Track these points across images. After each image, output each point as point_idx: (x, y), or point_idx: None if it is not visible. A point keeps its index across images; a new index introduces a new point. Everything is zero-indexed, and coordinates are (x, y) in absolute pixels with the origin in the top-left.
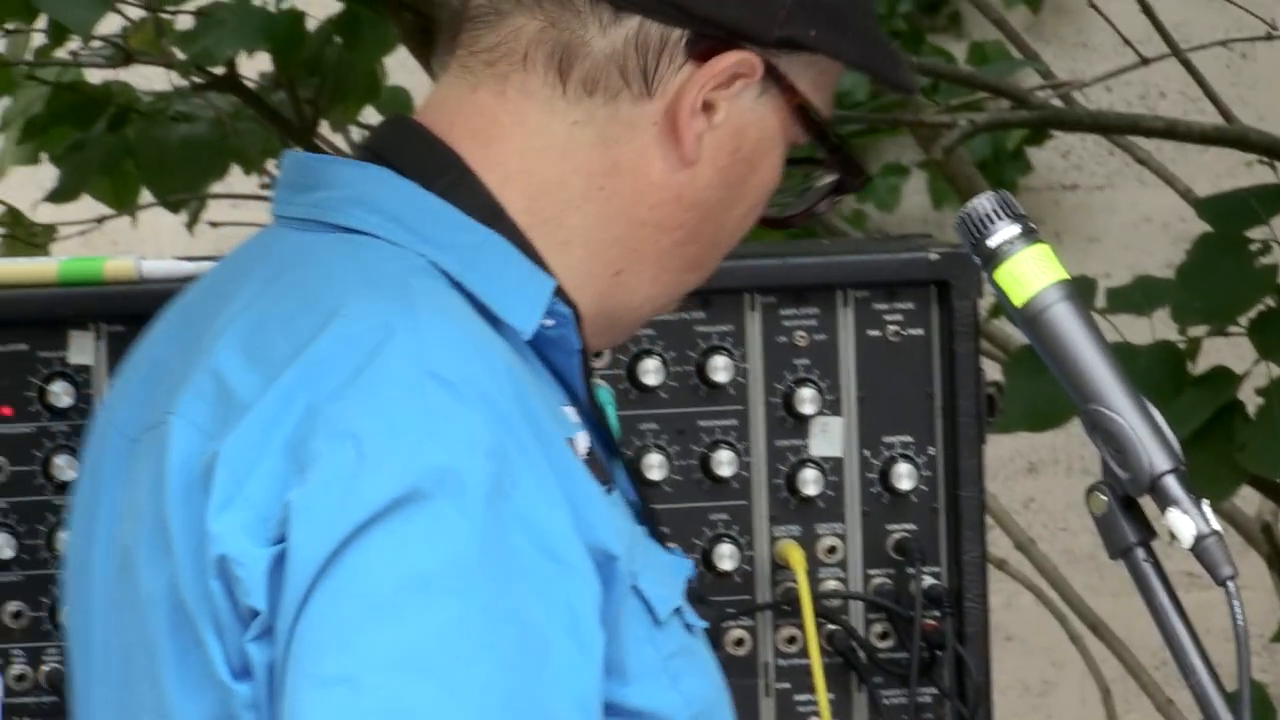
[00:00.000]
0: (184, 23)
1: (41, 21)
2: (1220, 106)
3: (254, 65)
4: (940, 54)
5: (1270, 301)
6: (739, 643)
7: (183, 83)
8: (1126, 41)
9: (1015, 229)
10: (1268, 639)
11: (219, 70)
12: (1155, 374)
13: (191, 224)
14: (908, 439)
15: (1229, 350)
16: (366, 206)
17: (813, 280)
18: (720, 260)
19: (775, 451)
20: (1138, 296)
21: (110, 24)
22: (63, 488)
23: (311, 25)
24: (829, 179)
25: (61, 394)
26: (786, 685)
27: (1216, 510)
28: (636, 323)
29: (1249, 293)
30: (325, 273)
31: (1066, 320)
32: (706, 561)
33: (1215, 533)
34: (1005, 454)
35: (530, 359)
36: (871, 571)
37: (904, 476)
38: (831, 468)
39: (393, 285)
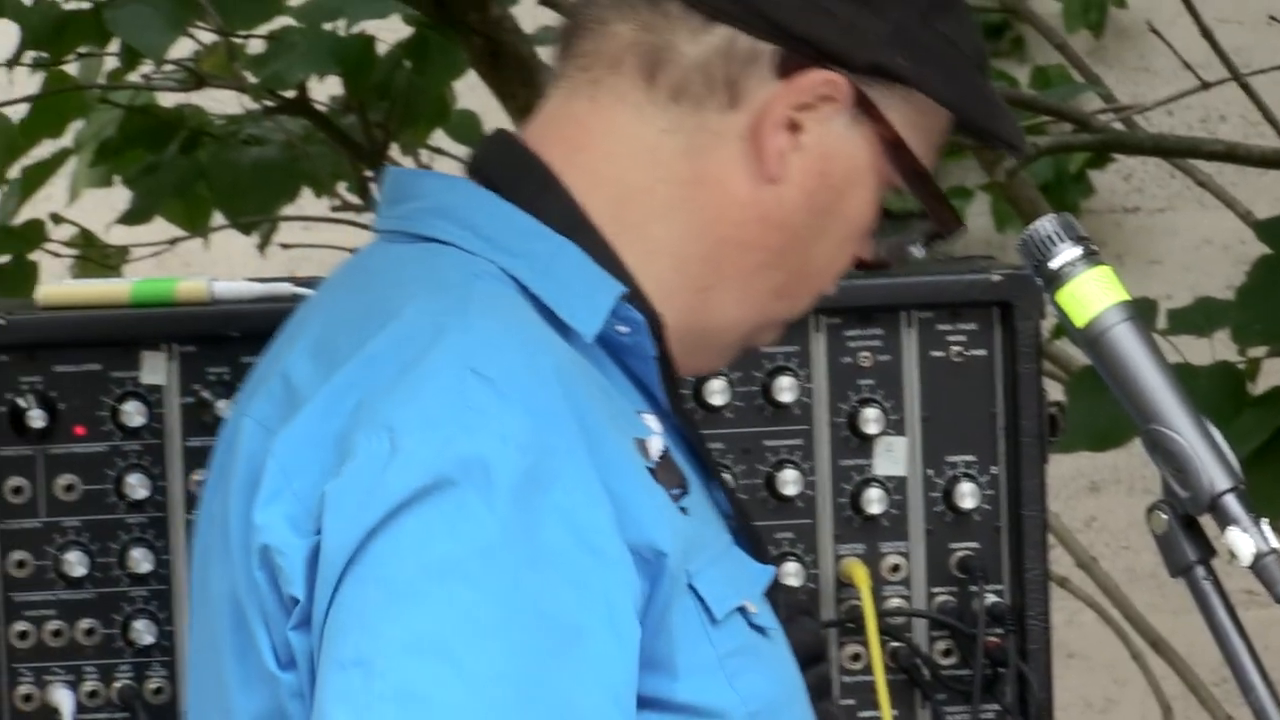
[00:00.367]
0: (255, 47)
1: (114, 45)
2: None
3: (325, 89)
4: (1004, 78)
5: None
6: None
7: (254, 106)
8: (1187, 66)
9: (1077, 251)
10: None
11: (290, 94)
12: (1215, 394)
13: (263, 246)
14: (971, 458)
15: None
16: (445, 216)
17: (877, 301)
18: (814, 295)
19: (840, 471)
20: (1198, 318)
21: (182, 48)
22: (135, 506)
23: (382, 49)
24: (922, 226)
25: (134, 413)
26: (851, 702)
27: (1276, 529)
28: (730, 347)
29: None
30: (395, 279)
31: (1128, 341)
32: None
33: (1275, 551)
34: (1067, 473)
35: (605, 364)
36: (935, 589)
37: (967, 495)
38: (895, 487)
39: (454, 291)
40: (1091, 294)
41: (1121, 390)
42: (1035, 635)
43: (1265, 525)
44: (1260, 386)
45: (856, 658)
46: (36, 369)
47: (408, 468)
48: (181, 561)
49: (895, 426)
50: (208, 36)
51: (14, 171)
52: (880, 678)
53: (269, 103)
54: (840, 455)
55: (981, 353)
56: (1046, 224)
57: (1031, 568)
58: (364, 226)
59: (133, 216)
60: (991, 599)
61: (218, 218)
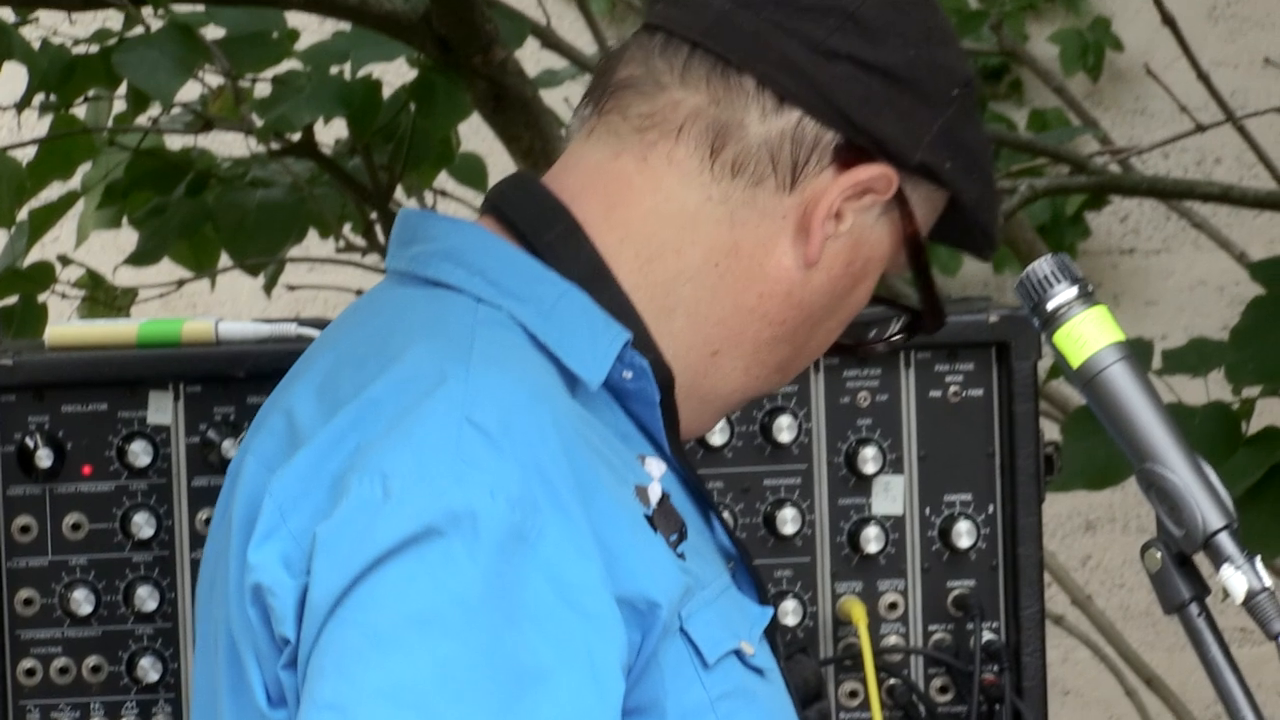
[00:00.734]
0: (262, 90)
1: (122, 89)
2: (1274, 172)
3: (330, 131)
4: (1002, 121)
5: None
6: None
7: (261, 149)
8: (1183, 109)
9: (1073, 292)
10: None
11: (296, 136)
12: (1210, 434)
13: (269, 287)
14: (967, 497)
15: None
16: (453, 260)
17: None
18: (796, 373)
19: (838, 509)
20: (1193, 358)
21: (190, 91)
22: (141, 545)
23: (387, 92)
24: (905, 316)
25: (140, 453)
26: None
27: (1269, 567)
28: (721, 412)
29: None
30: (401, 322)
31: (1123, 381)
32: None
33: (1267, 589)
34: (1063, 512)
35: (609, 409)
36: (932, 627)
37: (964, 534)
38: (893, 525)
39: (458, 336)
40: (1088, 334)
41: (1117, 429)
42: (1031, 672)
43: (1259, 563)
44: (1254, 426)
45: (854, 694)
46: (44, 409)
47: (397, 516)
48: (187, 600)
49: (893, 466)
50: (215, 80)
51: (22, 214)
52: (877, 714)
53: (275, 145)
54: (838, 494)
55: (979, 393)
56: (1043, 265)
57: (1027, 605)
58: (369, 268)
59: (140, 258)
60: (988, 636)
61: (224, 259)
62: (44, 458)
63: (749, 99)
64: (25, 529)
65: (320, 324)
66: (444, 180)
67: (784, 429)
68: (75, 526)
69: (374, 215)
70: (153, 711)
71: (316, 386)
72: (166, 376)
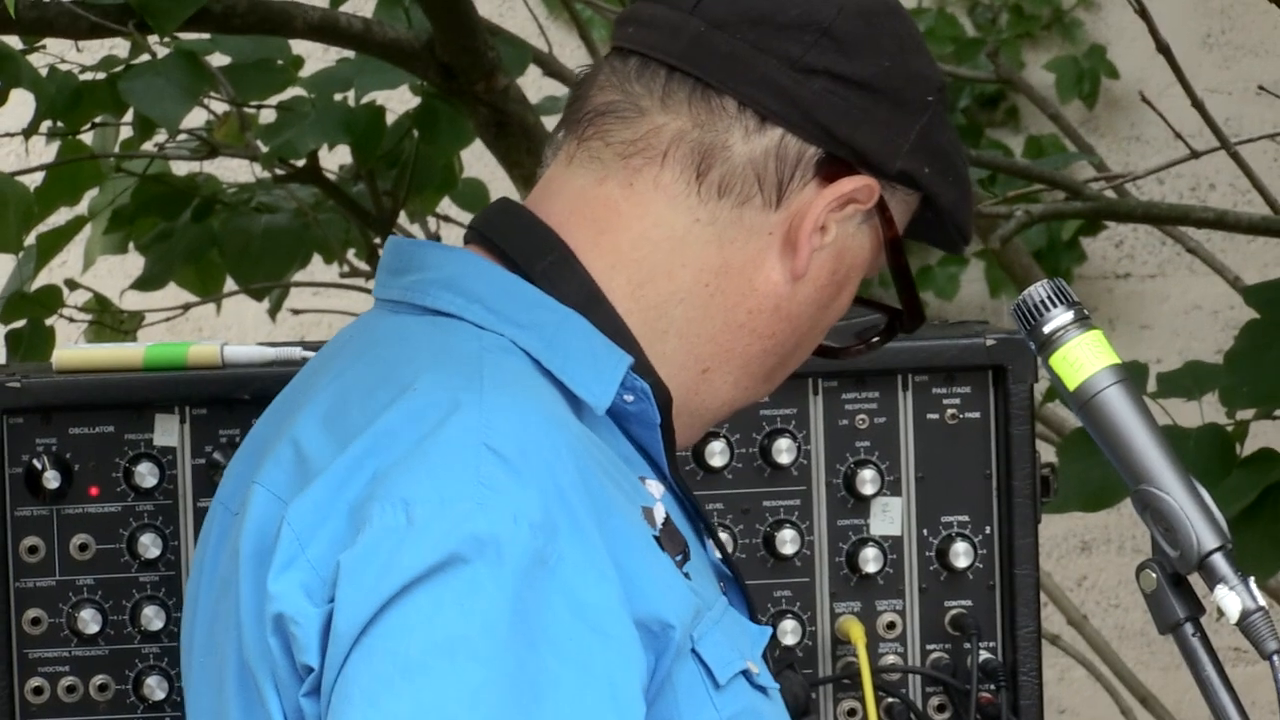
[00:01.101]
0: (267, 117)
1: (129, 115)
2: (1268, 198)
3: (335, 158)
4: (998, 147)
5: None
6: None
7: (266, 174)
8: (1178, 135)
9: (1069, 316)
10: None
11: (301, 162)
12: (1204, 456)
13: (274, 311)
14: (965, 518)
15: (1276, 433)
16: (453, 289)
17: (873, 365)
18: (785, 378)
19: (836, 530)
20: (1187, 381)
21: (195, 118)
22: (147, 565)
23: (390, 119)
24: (883, 317)
25: (146, 475)
26: None
27: (1263, 587)
28: (710, 423)
29: None
30: (406, 351)
31: (1118, 404)
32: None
33: (1261, 609)
34: (1059, 533)
35: (610, 432)
36: (929, 646)
37: (961, 555)
38: (891, 546)
39: (466, 364)
40: (1083, 357)
41: (1112, 451)
42: (1027, 691)
43: (1252, 584)
44: (1248, 448)
45: (852, 713)
46: (52, 431)
47: (422, 543)
48: None
49: (891, 487)
50: (220, 107)
51: (30, 238)
52: None
53: (280, 171)
54: (837, 515)
55: (976, 415)
56: (1040, 290)
57: (1024, 625)
58: (372, 292)
59: (146, 282)
60: (985, 656)
61: (230, 284)
62: (51, 479)
63: (731, 120)
64: (33, 549)
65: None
66: (447, 206)
67: (783, 451)
68: (82, 547)
69: (378, 240)
70: None
71: (323, 416)
72: (172, 399)
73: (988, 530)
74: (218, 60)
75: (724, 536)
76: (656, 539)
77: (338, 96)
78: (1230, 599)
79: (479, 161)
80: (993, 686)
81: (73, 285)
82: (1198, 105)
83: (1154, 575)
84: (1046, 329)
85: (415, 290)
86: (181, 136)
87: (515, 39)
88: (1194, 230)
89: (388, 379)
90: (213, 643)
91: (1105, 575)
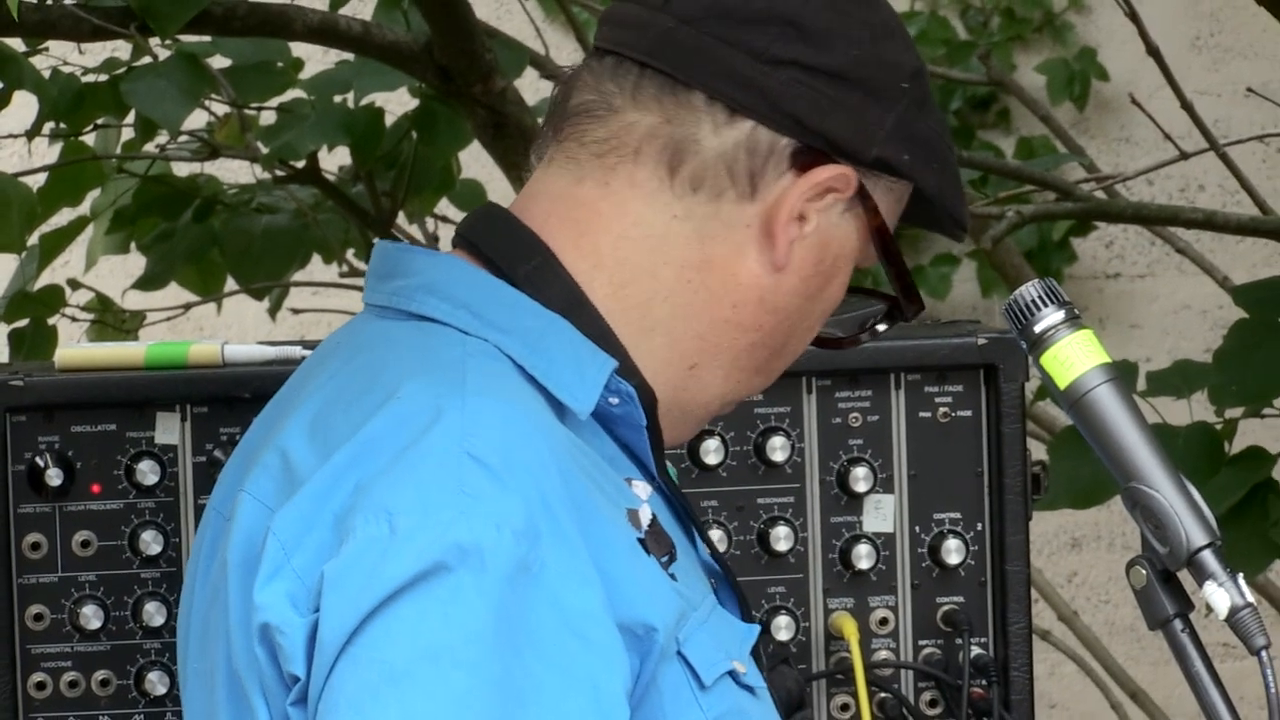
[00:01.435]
0: (267, 118)
1: (131, 117)
2: (1256, 199)
3: (334, 159)
4: (990, 149)
5: None
6: None
7: (266, 175)
8: (1167, 137)
9: (1060, 315)
10: None
11: (301, 163)
12: (1193, 454)
13: (274, 310)
14: (956, 515)
15: (1264, 431)
16: (437, 294)
17: (866, 364)
18: (778, 374)
19: (830, 527)
20: (1177, 380)
21: (196, 120)
22: (148, 562)
23: (389, 121)
24: (882, 305)
25: (148, 472)
26: None
27: (1251, 584)
28: (703, 419)
29: None
30: (390, 358)
31: (1109, 402)
32: (764, 632)
33: (1250, 605)
34: (1050, 530)
35: (595, 435)
36: (921, 642)
37: (953, 551)
38: (883, 543)
39: (449, 369)
40: (1074, 356)
41: (1102, 449)
42: (1018, 686)
43: (1241, 580)
44: (1236, 446)
45: (845, 708)
46: (54, 429)
47: (405, 553)
48: None
49: (884, 484)
50: (221, 108)
51: (33, 239)
52: None
53: (280, 172)
54: (830, 512)
55: (967, 414)
56: (1031, 289)
57: (1015, 621)
58: None
59: (148, 282)
60: (976, 651)
61: (230, 283)
62: (54, 476)
63: (701, 114)
64: (36, 546)
65: None
66: (445, 206)
67: (777, 449)
68: (84, 544)
69: (376, 241)
70: None
71: (308, 424)
72: (173, 398)
73: (979, 527)
74: (218, 62)
75: (718, 533)
76: (641, 541)
77: (337, 98)
78: (1219, 595)
79: (476, 162)
80: (984, 681)
81: (75, 285)
82: (1187, 107)
83: (1144, 572)
84: (1037, 328)
85: (400, 295)
86: (183, 138)
87: (512, 41)
88: (1183, 231)
89: (371, 386)
90: (205, 648)
91: (1095, 571)
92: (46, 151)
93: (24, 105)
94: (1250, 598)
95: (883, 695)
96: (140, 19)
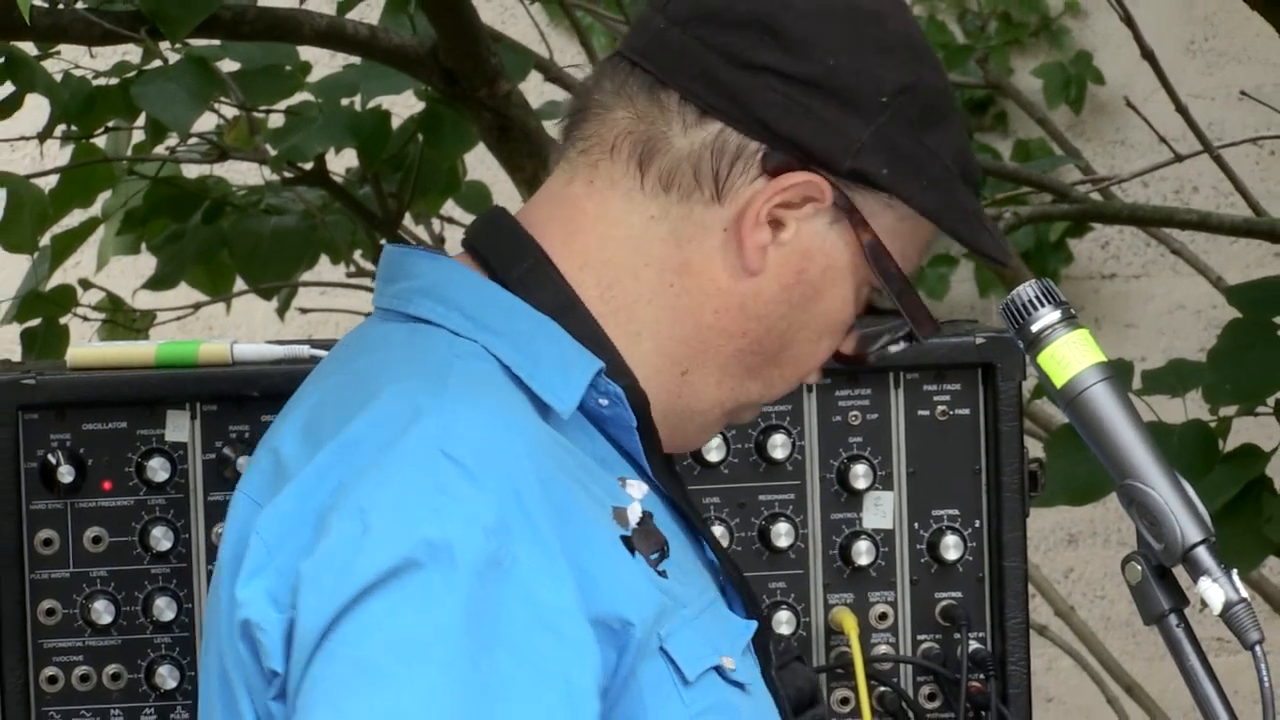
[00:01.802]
0: (276, 121)
1: (141, 120)
2: (1250, 200)
3: (341, 161)
4: (987, 151)
5: None
6: None
7: (274, 177)
8: (1162, 139)
9: (1056, 315)
10: None
11: (308, 166)
12: (1188, 451)
13: (282, 310)
14: (955, 512)
15: (1257, 429)
16: (433, 297)
17: None
18: (792, 381)
19: (830, 524)
20: (1171, 379)
21: (206, 122)
22: (159, 557)
23: (396, 123)
24: (899, 325)
25: (158, 469)
26: None
27: (1245, 579)
28: (711, 425)
29: (1277, 375)
30: (382, 359)
31: (1105, 400)
32: (770, 629)
33: (1244, 600)
34: (1047, 526)
35: (587, 435)
36: (920, 637)
37: (951, 547)
38: (883, 539)
39: (434, 371)
40: (1070, 356)
41: (1099, 447)
42: (1015, 680)
43: (1235, 576)
44: (1230, 444)
45: (845, 701)
46: (66, 427)
47: (377, 550)
48: (202, 610)
49: (883, 482)
50: (230, 111)
51: (45, 239)
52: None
53: (288, 174)
54: (830, 509)
55: (965, 412)
56: (1028, 289)
57: (1012, 616)
58: None
59: (158, 282)
60: (974, 646)
61: (239, 283)
62: (66, 474)
63: (672, 114)
64: (48, 542)
65: (331, 346)
66: (450, 208)
67: (778, 446)
68: (96, 540)
69: (383, 241)
70: (170, 717)
71: (303, 424)
72: (183, 396)
73: (977, 524)
74: (228, 66)
75: (720, 530)
76: (627, 539)
77: (344, 101)
78: (1214, 591)
79: (482, 164)
80: (982, 676)
81: (86, 285)
82: (1181, 110)
83: (1139, 568)
84: (1034, 328)
85: (400, 298)
86: (192, 140)
87: (517, 45)
88: (1178, 232)
89: (360, 387)
90: (206, 645)
91: (1091, 567)
92: (58, 154)
93: (36, 108)
94: (1244, 593)
95: (882, 689)
96: (150, 23)
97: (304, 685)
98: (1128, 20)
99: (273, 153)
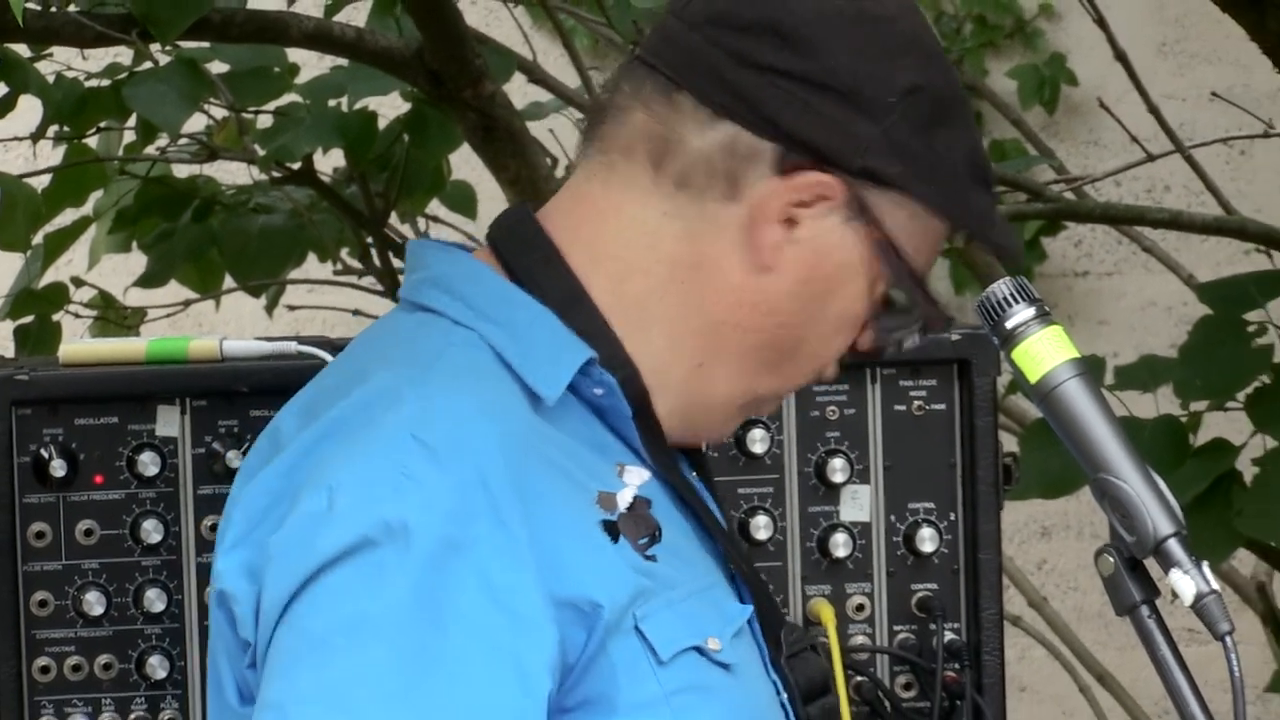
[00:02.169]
0: (264, 122)
1: (132, 120)
2: (1220, 199)
3: (329, 161)
4: None
5: (1266, 379)
6: None
7: (263, 177)
8: (1134, 139)
9: (1031, 312)
10: (1262, 690)
11: (296, 165)
12: (1159, 445)
13: (271, 307)
14: (930, 505)
15: (1227, 424)
16: (440, 287)
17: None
18: (809, 376)
19: (808, 517)
20: (1143, 374)
21: (196, 123)
22: (149, 550)
23: (382, 124)
24: (913, 320)
25: (149, 464)
26: None
27: (1215, 571)
28: (730, 418)
29: (1246, 371)
30: (382, 345)
31: (1078, 395)
32: (774, 618)
33: (1214, 592)
34: (1020, 519)
35: (584, 422)
36: (896, 627)
37: (927, 540)
38: (860, 532)
39: (423, 357)
40: (1044, 352)
41: (1072, 441)
42: (990, 670)
43: (1206, 568)
44: (1201, 438)
45: None
46: (58, 422)
47: (338, 527)
48: (193, 601)
49: (860, 475)
50: (219, 112)
51: (38, 238)
52: (845, 710)
53: (277, 174)
54: (808, 502)
55: (941, 407)
56: (1002, 287)
57: (987, 607)
58: (365, 289)
59: (149, 280)
60: (949, 636)
61: (228, 281)
62: (58, 468)
63: (687, 115)
64: (40, 535)
65: (319, 342)
66: (436, 207)
67: (757, 440)
68: (88, 532)
69: (369, 240)
70: (161, 707)
71: (305, 403)
72: (174, 391)
73: (952, 517)
74: (217, 68)
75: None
76: (611, 523)
77: (332, 102)
78: (1185, 582)
79: (467, 164)
80: (957, 665)
81: (78, 283)
82: (1153, 111)
83: (1111, 560)
84: (1009, 324)
85: (413, 288)
86: (182, 140)
87: (501, 47)
88: (1149, 230)
89: (356, 371)
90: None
91: (1064, 559)
92: (51, 154)
93: (29, 109)
94: (1215, 585)
95: (859, 679)
96: (141, 25)
97: (267, 655)
98: (1100, 22)
99: (261, 153)
